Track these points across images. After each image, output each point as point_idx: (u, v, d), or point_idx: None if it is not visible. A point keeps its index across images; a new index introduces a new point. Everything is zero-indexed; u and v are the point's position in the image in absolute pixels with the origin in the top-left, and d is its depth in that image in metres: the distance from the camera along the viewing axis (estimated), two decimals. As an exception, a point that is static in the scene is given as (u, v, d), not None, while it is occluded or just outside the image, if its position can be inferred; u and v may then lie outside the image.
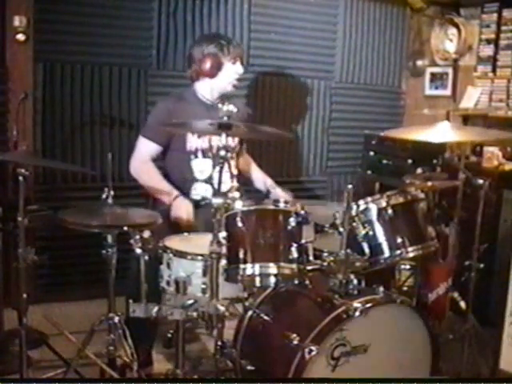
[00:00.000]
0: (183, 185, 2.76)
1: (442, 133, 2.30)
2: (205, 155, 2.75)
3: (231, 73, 2.75)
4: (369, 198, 2.24)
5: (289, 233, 2.03)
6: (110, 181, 2.20)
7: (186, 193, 2.74)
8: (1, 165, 2.94)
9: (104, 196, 2.19)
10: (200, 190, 2.75)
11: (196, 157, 2.76)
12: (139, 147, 2.77)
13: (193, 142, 2.74)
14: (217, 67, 2.72)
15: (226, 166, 2.49)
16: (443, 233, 2.80)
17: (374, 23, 4.10)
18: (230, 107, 2.02)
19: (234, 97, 2.99)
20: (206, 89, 2.80)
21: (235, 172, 2.81)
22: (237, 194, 2.09)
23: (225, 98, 2.79)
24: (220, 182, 2.02)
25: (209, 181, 2.75)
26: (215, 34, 3.26)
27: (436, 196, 2.80)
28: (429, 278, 2.77)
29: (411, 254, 2.22)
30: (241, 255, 2.00)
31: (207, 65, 2.72)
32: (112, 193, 2.19)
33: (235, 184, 2.49)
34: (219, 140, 2.69)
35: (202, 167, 2.76)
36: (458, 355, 2.48)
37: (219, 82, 2.76)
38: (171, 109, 2.74)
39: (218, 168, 2.25)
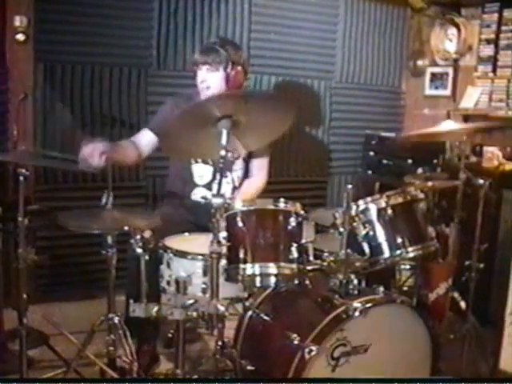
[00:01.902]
0: (184, 188, 2.79)
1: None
2: (204, 160, 2.76)
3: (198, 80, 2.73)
4: (368, 198, 2.24)
5: (289, 233, 2.03)
6: (110, 187, 2.19)
7: (186, 196, 2.76)
8: (1, 165, 2.94)
9: (103, 201, 2.18)
10: (201, 194, 2.76)
11: (196, 161, 2.77)
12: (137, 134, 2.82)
13: None
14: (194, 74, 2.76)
15: (227, 174, 2.48)
16: (443, 233, 2.80)
17: (375, 23, 4.10)
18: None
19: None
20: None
21: (238, 184, 2.81)
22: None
23: None
24: (220, 183, 2.01)
25: (209, 188, 2.76)
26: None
27: (436, 196, 2.80)
28: (429, 277, 2.77)
29: (411, 254, 2.22)
30: (241, 255, 2.00)
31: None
32: (111, 199, 2.19)
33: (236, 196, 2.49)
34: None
35: (201, 172, 2.77)
36: (458, 355, 2.47)
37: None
38: (174, 106, 2.77)
39: (218, 171, 2.26)
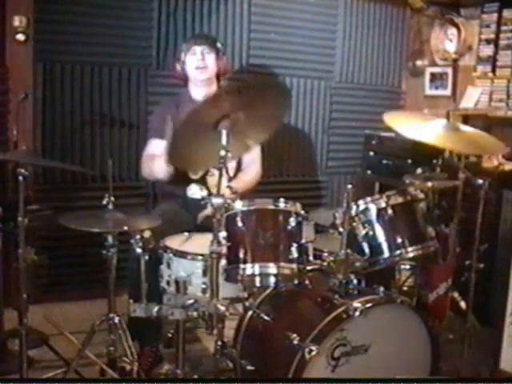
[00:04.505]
0: (179, 186, 2.79)
1: (436, 135, 2.22)
2: None
3: (190, 64, 2.82)
4: (368, 198, 2.24)
5: (289, 233, 2.03)
6: (111, 188, 2.19)
7: (182, 193, 2.77)
8: (1, 165, 2.94)
9: (104, 202, 2.19)
10: (195, 190, 2.77)
11: None
12: (146, 148, 2.86)
13: None
14: (182, 65, 2.86)
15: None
16: (443, 233, 2.79)
17: (374, 23, 4.10)
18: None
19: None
20: (193, 88, 2.88)
21: (232, 174, 2.82)
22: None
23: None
24: (220, 183, 2.02)
25: (202, 182, 2.76)
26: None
27: (436, 196, 2.79)
28: (429, 277, 2.77)
29: (411, 254, 2.22)
30: (241, 255, 2.00)
31: (176, 67, 2.89)
32: (112, 199, 2.19)
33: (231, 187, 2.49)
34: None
35: None
36: (457, 355, 2.47)
37: (190, 76, 2.85)
38: (165, 110, 2.83)
39: (214, 167, 2.24)
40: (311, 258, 2.10)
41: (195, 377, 2.24)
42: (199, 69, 2.81)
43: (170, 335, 2.31)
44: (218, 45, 2.92)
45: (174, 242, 2.25)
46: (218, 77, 2.93)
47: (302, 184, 3.98)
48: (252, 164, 2.93)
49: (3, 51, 3.06)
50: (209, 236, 1.96)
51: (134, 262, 2.20)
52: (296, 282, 2.09)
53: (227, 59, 3.03)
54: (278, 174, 3.84)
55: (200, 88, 2.87)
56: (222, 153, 2.02)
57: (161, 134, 2.73)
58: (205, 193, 2.72)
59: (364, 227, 2.21)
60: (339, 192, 4.02)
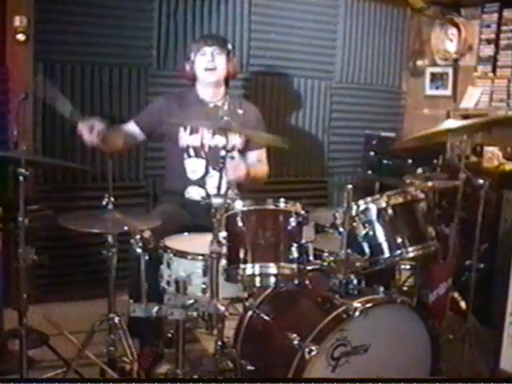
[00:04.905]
0: (178, 185, 2.79)
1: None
2: (197, 154, 2.77)
3: (200, 64, 2.78)
4: (369, 198, 2.24)
5: (289, 233, 2.03)
6: (110, 189, 2.19)
7: (181, 194, 2.77)
8: (1, 165, 2.94)
9: (104, 202, 2.19)
10: (193, 194, 2.76)
11: (189, 156, 2.78)
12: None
13: (184, 138, 2.77)
14: (191, 65, 2.81)
15: (219, 167, 2.48)
16: (443, 233, 2.79)
17: (375, 23, 4.10)
18: (231, 107, 2.04)
19: (243, 97, 3.04)
20: (201, 89, 2.85)
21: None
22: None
23: (231, 98, 2.86)
24: (220, 183, 2.02)
25: (201, 183, 2.76)
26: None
27: (436, 196, 2.80)
28: (429, 278, 2.77)
29: (411, 254, 2.22)
30: (241, 255, 2.00)
31: (185, 67, 2.84)
32: (112, 199, 2.19)
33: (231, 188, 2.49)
34: (211, 139, 2.74)
35: (194, 167, 2.78)
36: (458, 355, 2.47)
37: (199, 77, 2.81)
38: (163, 104, 2.85)
39: (215, 168, 2.23)
40: (311, 257, 2.10)
41: (195, 377, 2.23)
42: (208, 70, 2.75)
43: (169, 335, 2.31)
44: (229, 46, 2.85)
45: (175, 241, 2.25)
46: (227, 79, 2.87)
47: (303, 184, 3.98)
48: (260, 164, 2.91)
49: (3, 51, 3.06)
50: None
51: (134, 262, 2.20)
52: (296, 281, 2.08)
53: (237, 61, 2.98)
54: (279, 173, 3.83)
55: (208, 88, 2.83)
56: (222, 153, 2.02)
57: (139, 120, 2.83)
58: (203, 193, 2.72)
59: (364, 227, 2.21)
60: (339, 192, 4.02)
